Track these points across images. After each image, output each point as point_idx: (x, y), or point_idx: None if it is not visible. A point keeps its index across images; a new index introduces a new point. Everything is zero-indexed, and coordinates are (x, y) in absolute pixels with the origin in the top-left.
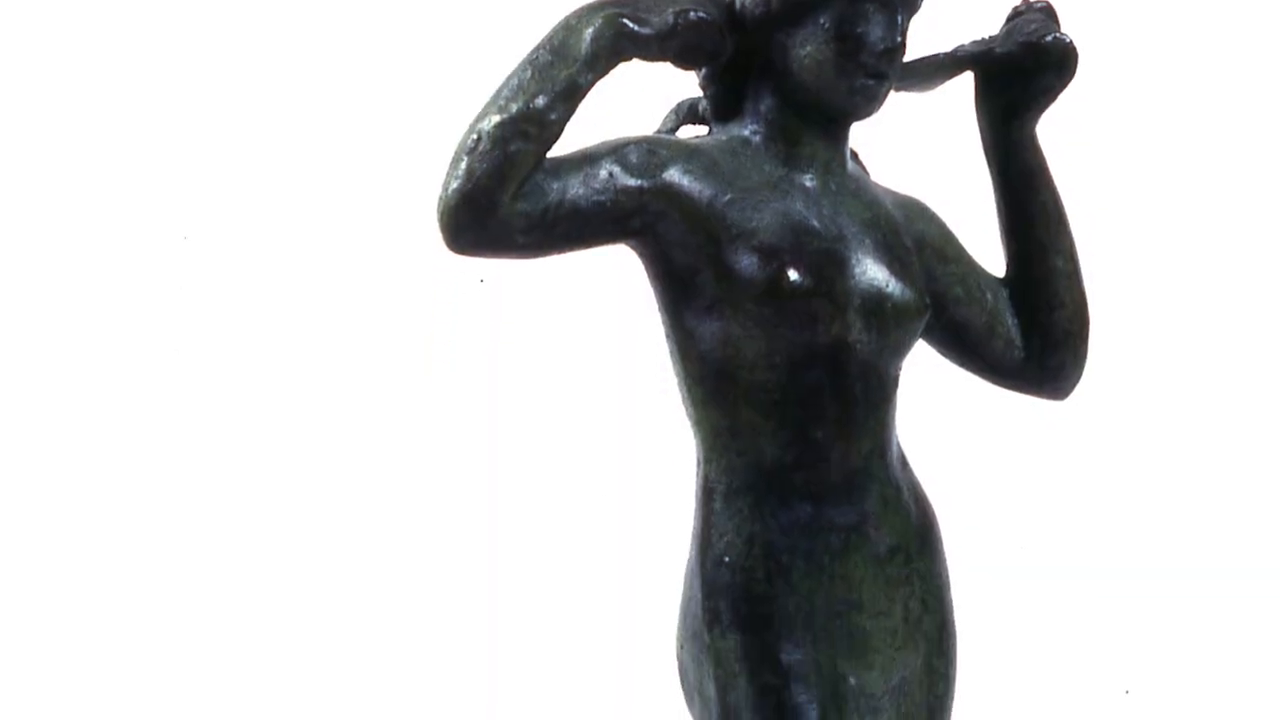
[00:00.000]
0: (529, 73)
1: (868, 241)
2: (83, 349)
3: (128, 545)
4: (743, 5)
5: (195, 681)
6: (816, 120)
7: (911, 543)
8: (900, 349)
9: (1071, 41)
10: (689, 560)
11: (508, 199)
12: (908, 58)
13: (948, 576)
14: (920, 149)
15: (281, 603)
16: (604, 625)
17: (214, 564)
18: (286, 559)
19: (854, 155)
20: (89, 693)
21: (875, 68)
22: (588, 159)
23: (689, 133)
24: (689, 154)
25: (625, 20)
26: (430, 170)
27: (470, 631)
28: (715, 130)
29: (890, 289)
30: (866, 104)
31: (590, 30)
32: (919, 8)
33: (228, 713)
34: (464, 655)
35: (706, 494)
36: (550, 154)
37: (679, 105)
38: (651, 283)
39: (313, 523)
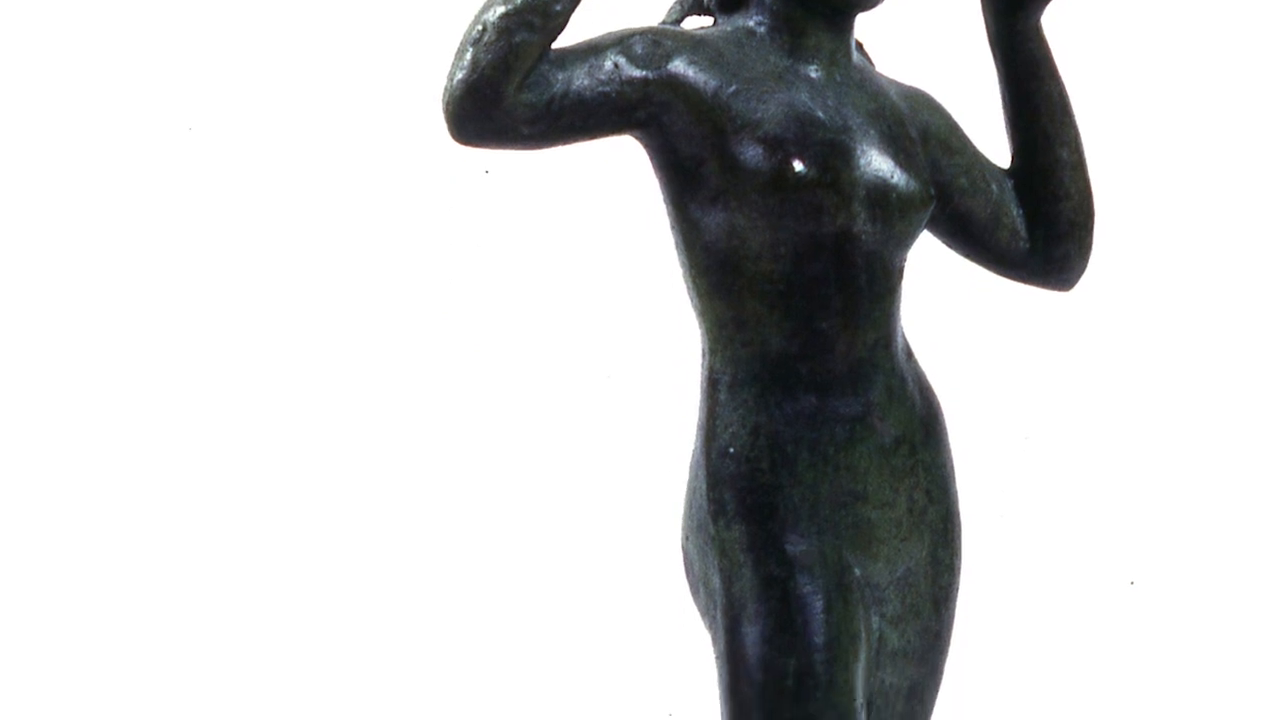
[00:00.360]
0: None
1: (873, 133)
2: (84, 239)
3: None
4: None
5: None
6: (821, 11)
7: (916, 434)
8: (905, 240)
9: None
10: (694, 452)
11: (512, 90)
12: None
13: (952, 467)
14: (925, 40)
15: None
16: (612, 527)
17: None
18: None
19: (859, 46)
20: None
21: None
22: (593, 50)
23: (694, 24)
24: (694, 45)
25: None
26: (440, 63)
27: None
28: (720, 21)
29: (895, 180)
30: None
31: None
32: None
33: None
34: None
35: (711, 385)
36: (555, 45)
37: None
38: (656, 173)
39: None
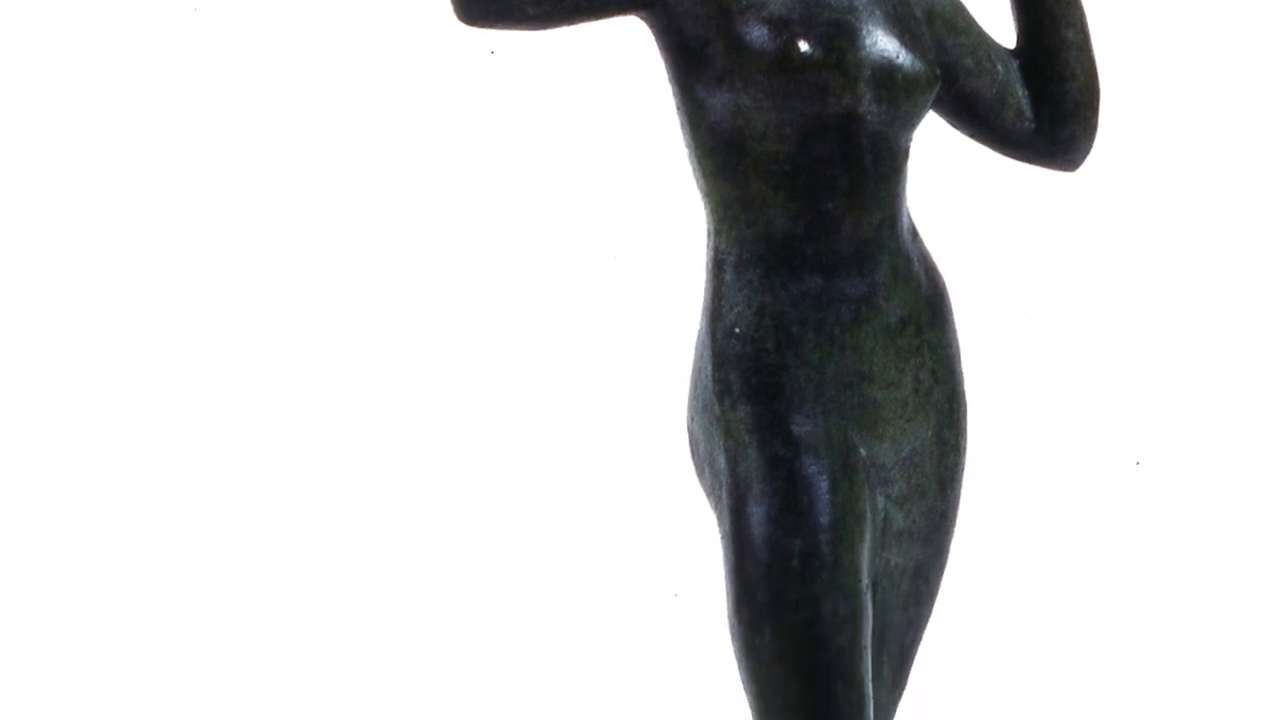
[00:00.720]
0: None
1: (878, 13)
2: (82, 119)
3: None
4: None
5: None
6: None
7: (922, 314)
8: (910, 120)
9: None
10: (699, 332)
11: None
12: None
13: (958, 348)
14: None
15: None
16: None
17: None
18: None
19: None
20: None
21: None
22: None
23: None
24: None
25: None
26: None
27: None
28: None
29: (901, 60)
30: None
31: None
32: None
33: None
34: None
35: (717, 265)
36: None
37: None
38: (662, 54)
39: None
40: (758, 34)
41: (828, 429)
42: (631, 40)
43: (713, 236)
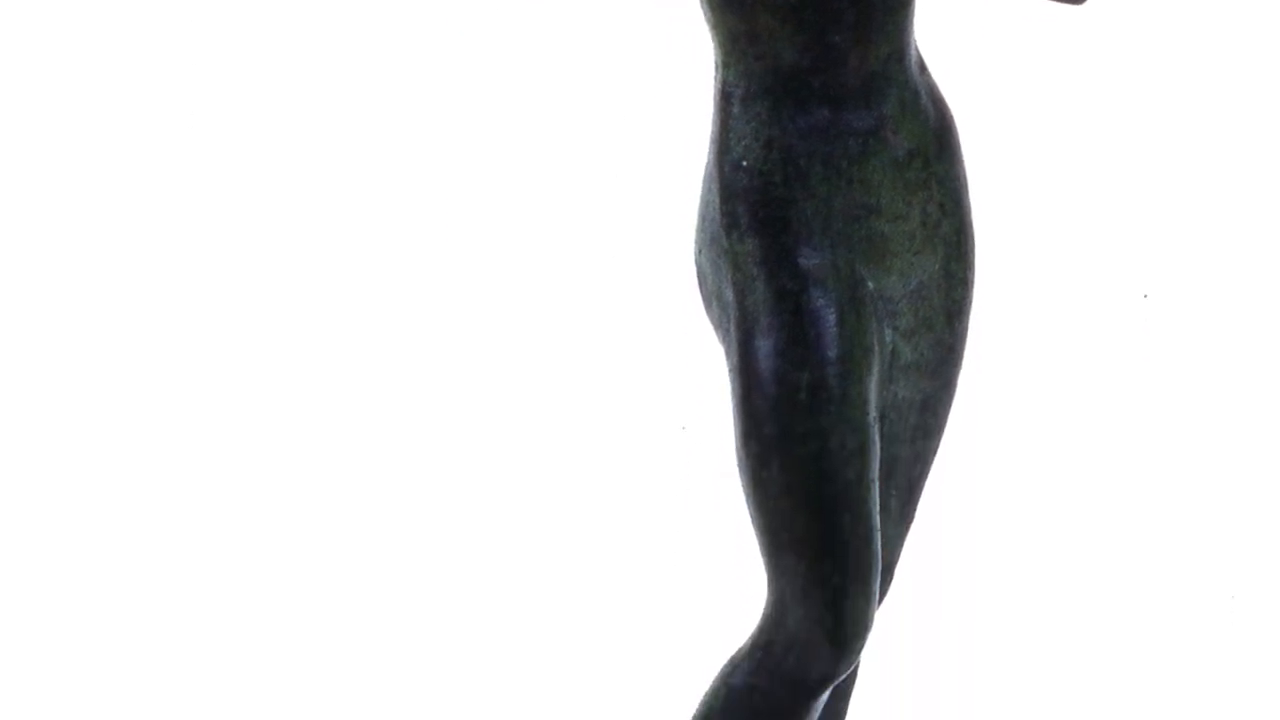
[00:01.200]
0: None
1: None
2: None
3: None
4: None
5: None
6: None
7: (930, 147)
8: None
9: None
10: (706, 165)
11: None
12: None
13: (966, 180)
14: None
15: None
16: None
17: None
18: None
19: None
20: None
21: None
22: None
23: None
24: None
25: None
26: None
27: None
28: None
29: None
30: None
31: None
32: None
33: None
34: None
35: (724, 98)
36: None
37: None
38: None
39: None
40: None
41: (835, 262)
42: None
43: (720, 69)
